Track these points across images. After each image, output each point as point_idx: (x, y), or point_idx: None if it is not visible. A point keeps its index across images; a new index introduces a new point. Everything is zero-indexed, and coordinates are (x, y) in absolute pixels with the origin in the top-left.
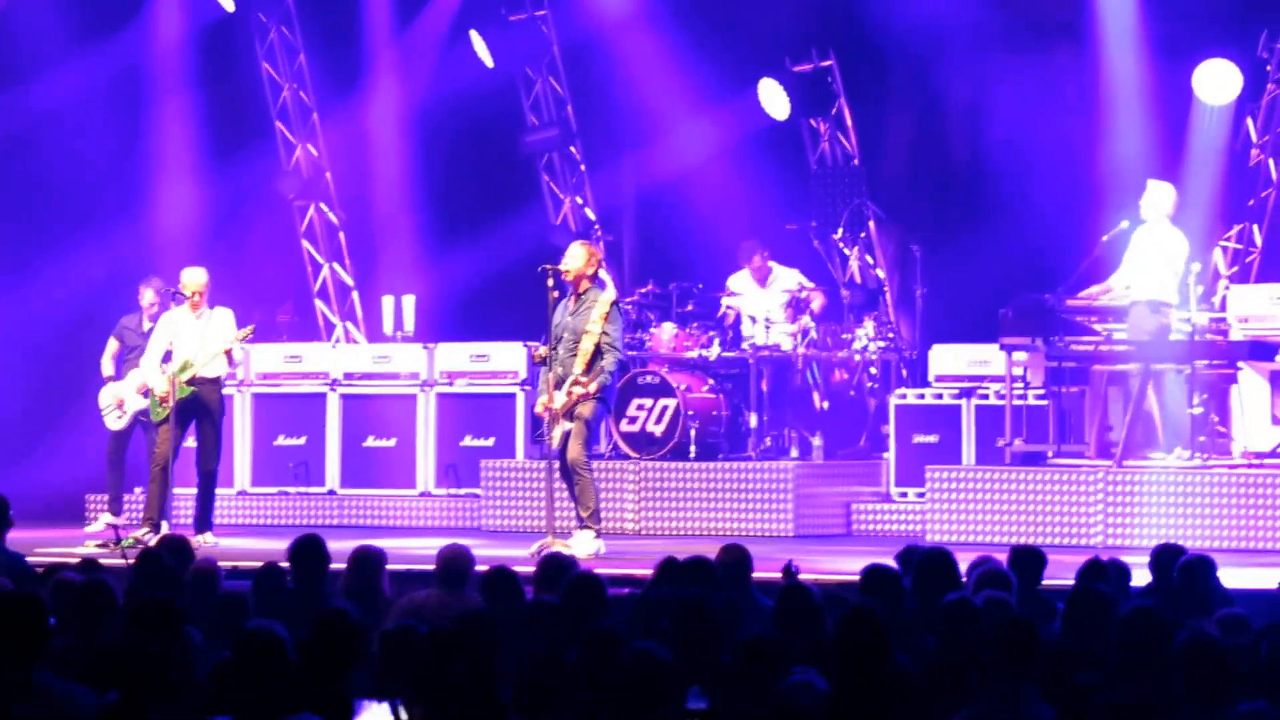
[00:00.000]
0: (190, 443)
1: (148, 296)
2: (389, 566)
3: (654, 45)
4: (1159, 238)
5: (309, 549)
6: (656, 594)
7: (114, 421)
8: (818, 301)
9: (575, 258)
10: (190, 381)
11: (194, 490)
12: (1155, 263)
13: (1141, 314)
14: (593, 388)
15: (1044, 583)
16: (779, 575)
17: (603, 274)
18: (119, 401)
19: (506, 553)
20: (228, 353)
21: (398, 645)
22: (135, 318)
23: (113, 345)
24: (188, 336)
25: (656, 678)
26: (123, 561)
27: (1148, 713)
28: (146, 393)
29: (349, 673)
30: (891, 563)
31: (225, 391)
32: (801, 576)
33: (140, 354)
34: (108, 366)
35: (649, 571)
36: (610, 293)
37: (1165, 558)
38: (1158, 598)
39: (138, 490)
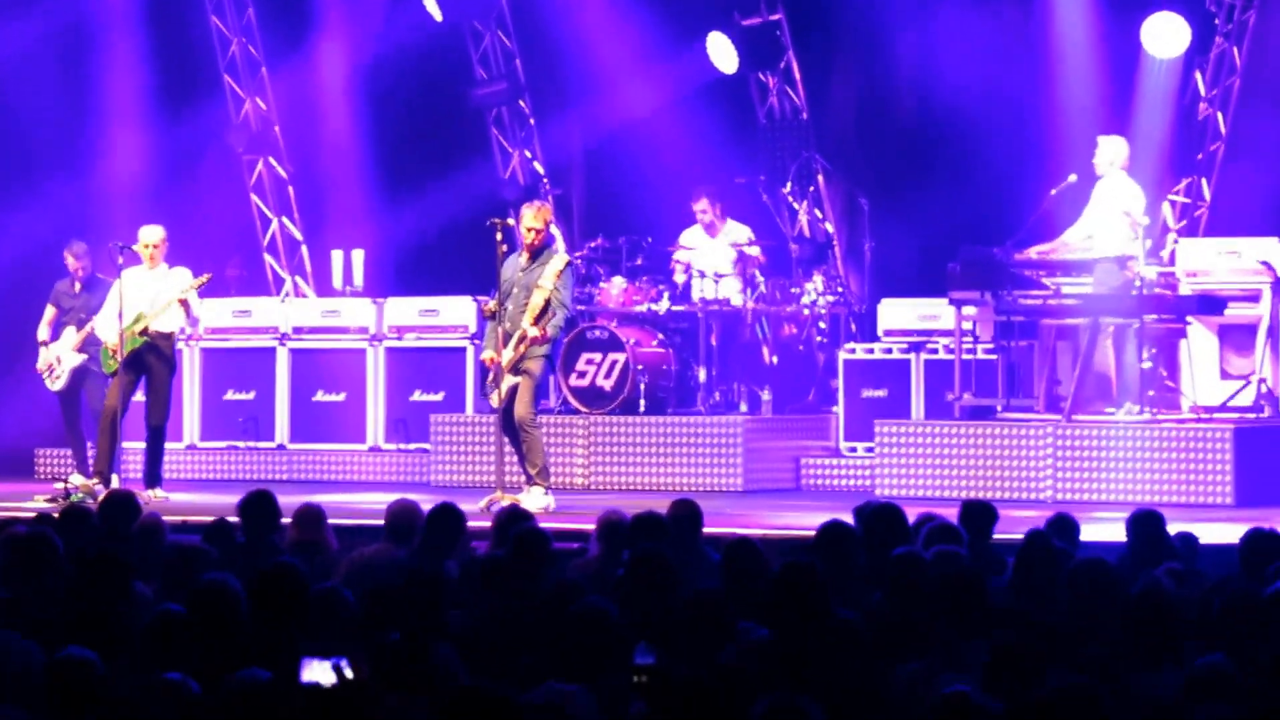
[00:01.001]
0: (139, 397)
1: (70, 261)
2: (336, 521)
3: None
4: (1118, 191)
5: (259, 504)
6: (605, 549)
7: (54, 383)
8: (756, 253)
9: (526, 215)
10: (143, 333)
11: (143, 445)
12: (1116, 216)
13: (1108, 270)
14: (549, 331)
15: (995, 537)
16: (729, 530)
17: (553, 229)
18: (52, 364)
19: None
20: (185, 305)
21: (340, 602)
22: (67, 282)
23: (49, 312)
24: (142, 292)
25: (604, 632)
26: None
27: (1096, 669)
28: (84, 346)
29: (295, 629)
30: (848, 518)
31: (177, 346)
32: (750, 532)
33: (73, 315)
34: (43, 331)
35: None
36: (564, 252)
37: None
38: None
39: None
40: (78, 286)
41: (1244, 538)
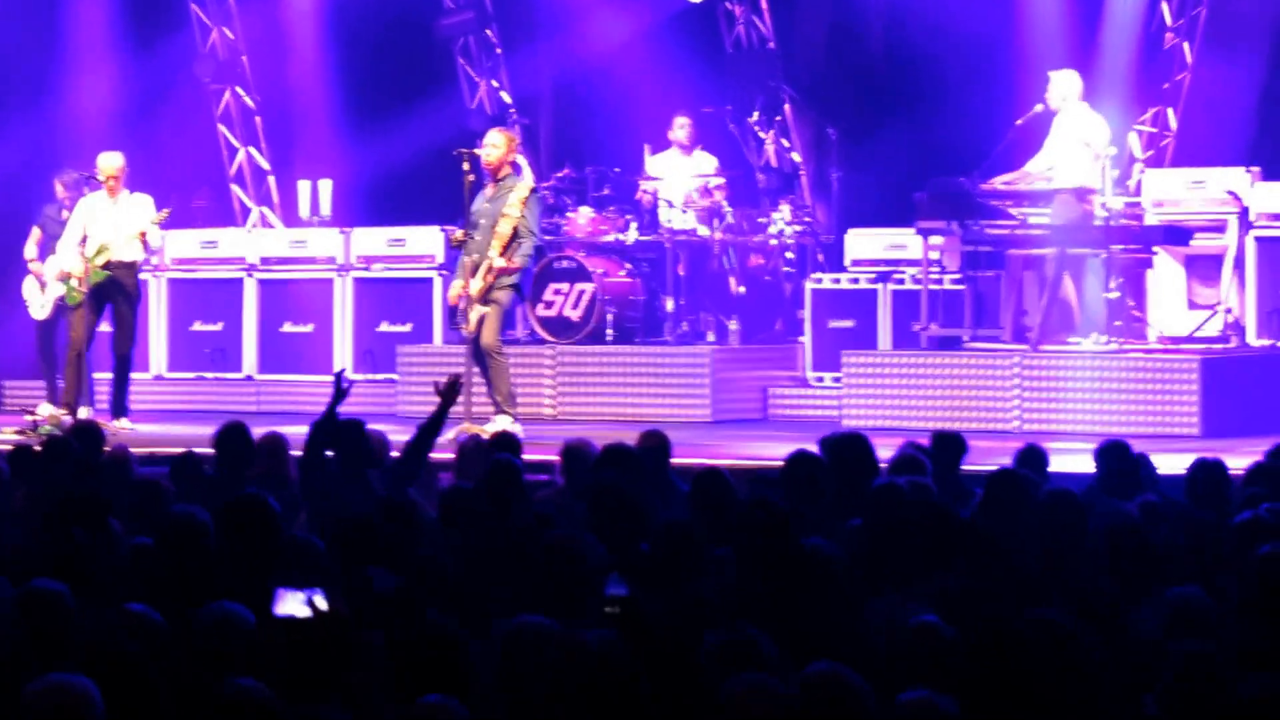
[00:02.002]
0: (105, 327)
1: (59, 189)
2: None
3: None
4: (1078, 121)
5: (233, 436)
6: (570, 480)
7: (38, 311)
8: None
9: (495, 146)
10: (105, 265)
11: (110, 375)
12: (1076, 147)
13: (1066, 202)
14: (517, 260)
15: (963, 468)
16: (698, 461)
17: (520, 159)
18: (41, 283)
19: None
20: (144, 238)
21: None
22: (55, 207)
23: (36, 233)
24: (104, 221)
25: (578, 563)
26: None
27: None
28: (65, 279)
29: (267, 561)
30: (813, 448)
31: (141, 276)
32: (720, 462)
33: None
34: (30, 250)
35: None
36: (529, 179)
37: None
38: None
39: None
40: (65, 214)
41: (1190, 468)
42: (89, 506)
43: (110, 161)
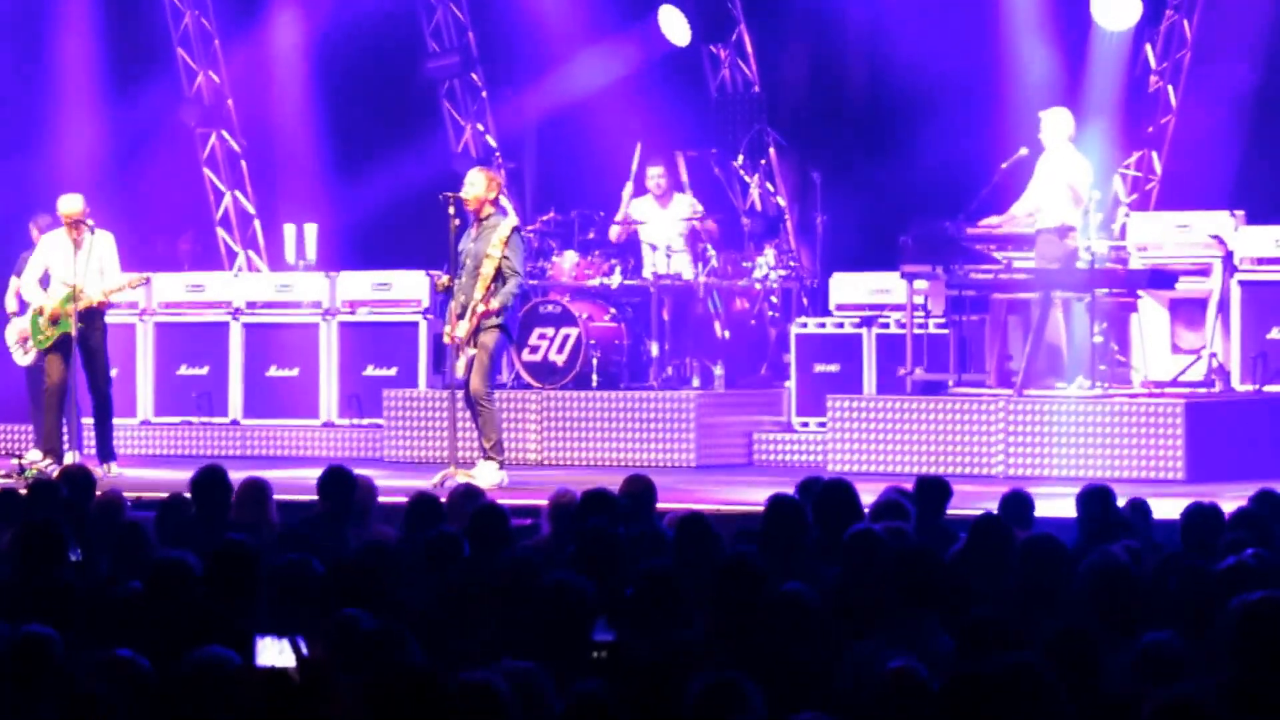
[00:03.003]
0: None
1: (35, 234)
2: (285, 498)
3: None
4: (1062, 162)
5: (211, 480)
6: (560, 526)
7: (21, 358)
8: (711, 226)
9: (475, 184)
10: (74, 312)
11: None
12: (1059, 188)
13: (1048, 241)
14: (495, 304)
15: (947, 512)
16: (683, 506)
17: (504, 201)
18: (23, 336)
19: (409, 483)
20: (109, 295)
21: (295, 578)
22: (31, 253)
23: (14, 283)
24: (65, 261)
25: (574, 607)
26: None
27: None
28: (35, 315)
29: (248, 606)
30: (791, 492)
31: (127, 321)
32: (703, 507)
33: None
34: (11, 303)
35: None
36: (512, 219)
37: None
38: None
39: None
40: None
41: (1185, 512)
42: (47, 538)
43: (71, 204)
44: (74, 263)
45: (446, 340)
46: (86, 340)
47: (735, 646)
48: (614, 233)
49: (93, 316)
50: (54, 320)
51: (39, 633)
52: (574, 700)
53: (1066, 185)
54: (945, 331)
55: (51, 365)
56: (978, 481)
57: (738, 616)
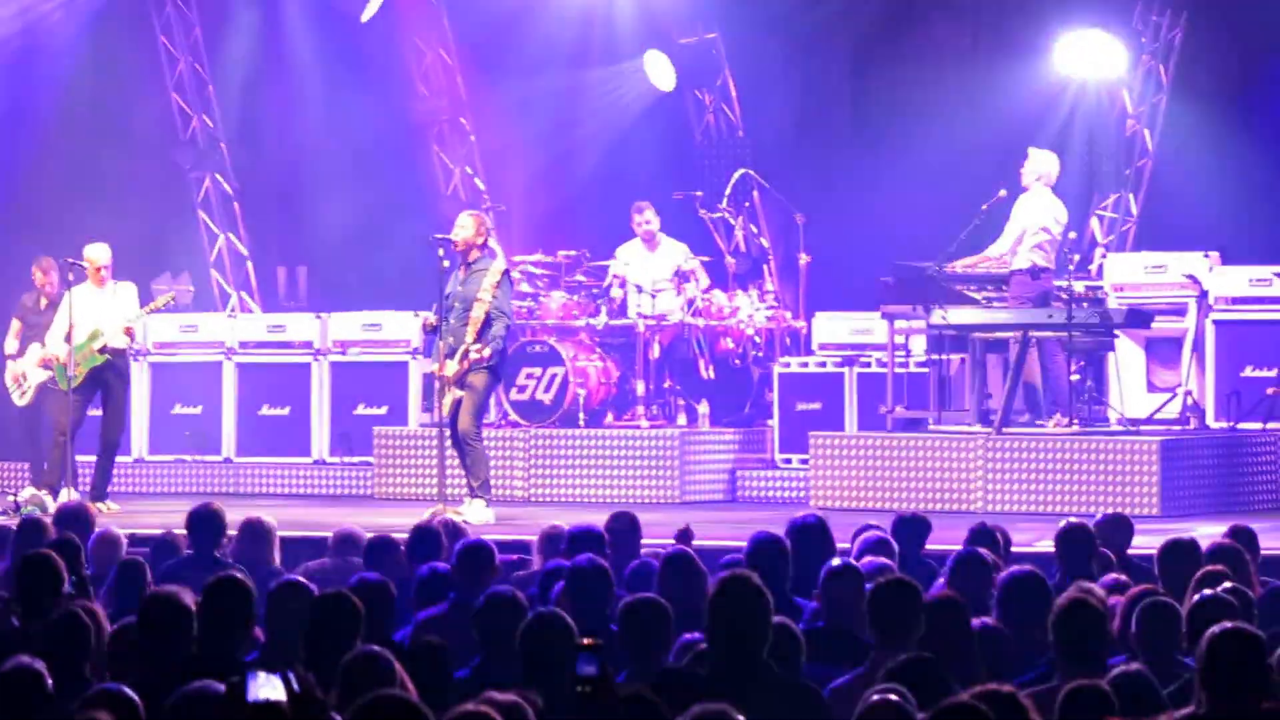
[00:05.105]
0: (94, 411)
1: (38, 276)
2: (282, 533)
3: (542, 17)
4: (1038, 205)
5: (205, 517)
6: (547, 563)
7: (18, 398)
8: (703, 280)
9: (464, 227)
10: (102, 350)
11: (93, 458)
12: (1033, 230)
13: (1022, 282)
14: (486, 353)
15: (927, 547)
16: (671, 540)
17: (493, 243)
18: (19, 378)
19: (399, 520)
20: (130, 332)
21: (287, 602)
22: (32, 296)
23: (15, 325)
24: (93, 310)
25: (561, 640)
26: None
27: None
28: (48, 365)
29: (242, 641)
30: (774, 529)
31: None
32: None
33: (39, 331)
34: (10, 345)
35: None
36: (500, 262)
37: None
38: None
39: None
40: (44, 302)
41: (1161, 548)
42: (42, 571)
43: (98, 253)
44: (101, 308)
45: (432, 372)
46: (109, 383)
47: (722, 676)
48: (615, 290)
49: (120, 358)
50: (76, 368)
51: (27, 666)
52: None
53: (1040, 227)
54: (925, 370)
55: (65, 404)
56: (958, 517)
57: (734, 636)
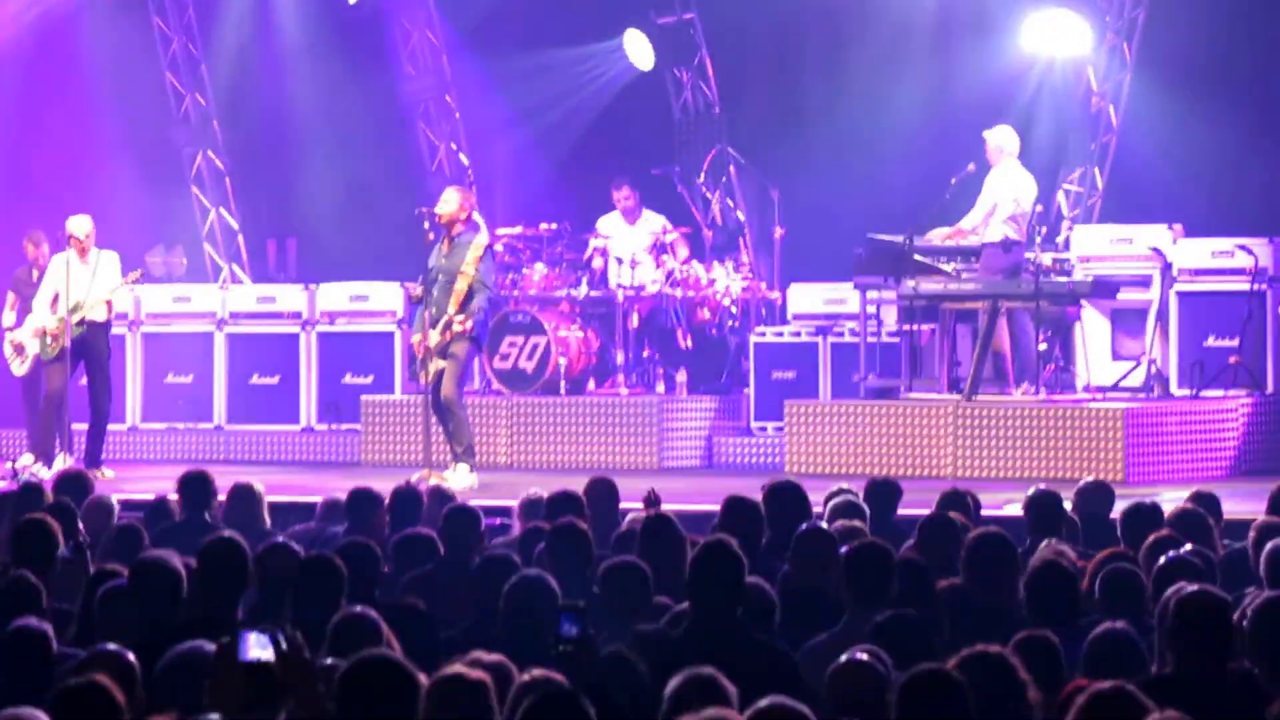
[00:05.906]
0: (83, 381)
1: (30, 250)
2: (271, 499)
3: None
4: (1007, 178)
5: (195, 481)
6: (525, 527)
7: (17, 368)
8: (683, 251)
9: (449, 202)
10: (80, 322)
11: (86, 426)
12: (1004, 203)
13: (994, 254)
14: (468, 324)
15: (898, 512)
16: (642, 505)
17: (476, 217)
18: (18, 346)
19: (386, 485)
20: (110, 305)
21: (275, 563)
22: (26, 269)
23: (10, 298)
24: (76, 280)
25: (544, 602)
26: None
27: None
28: (42, 334)
29: (235, 602)
30: (749, 494)
31: (117, 331)
32: (665, 507)
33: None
34: (8, 317)
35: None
36: (483, 236)
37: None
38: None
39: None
40: (35, 274)
41: (1124, 512)
42: (38, 535)
43: (79, 224)
44: (81, 280)
45: (415, 343)
46: (91, 352)
47: (702, 638)
48: (595, 261)
49: (98, 331)
50: (54, 339)
51: (30, 626)
52: (540, 693)
53: (1011, 200)
54: (896, 340)
55: (53, 373)
56: (928, 483)
57: (713, 598)
